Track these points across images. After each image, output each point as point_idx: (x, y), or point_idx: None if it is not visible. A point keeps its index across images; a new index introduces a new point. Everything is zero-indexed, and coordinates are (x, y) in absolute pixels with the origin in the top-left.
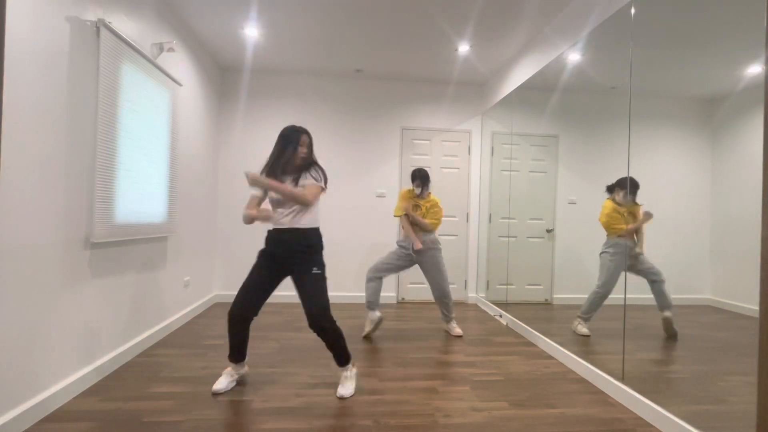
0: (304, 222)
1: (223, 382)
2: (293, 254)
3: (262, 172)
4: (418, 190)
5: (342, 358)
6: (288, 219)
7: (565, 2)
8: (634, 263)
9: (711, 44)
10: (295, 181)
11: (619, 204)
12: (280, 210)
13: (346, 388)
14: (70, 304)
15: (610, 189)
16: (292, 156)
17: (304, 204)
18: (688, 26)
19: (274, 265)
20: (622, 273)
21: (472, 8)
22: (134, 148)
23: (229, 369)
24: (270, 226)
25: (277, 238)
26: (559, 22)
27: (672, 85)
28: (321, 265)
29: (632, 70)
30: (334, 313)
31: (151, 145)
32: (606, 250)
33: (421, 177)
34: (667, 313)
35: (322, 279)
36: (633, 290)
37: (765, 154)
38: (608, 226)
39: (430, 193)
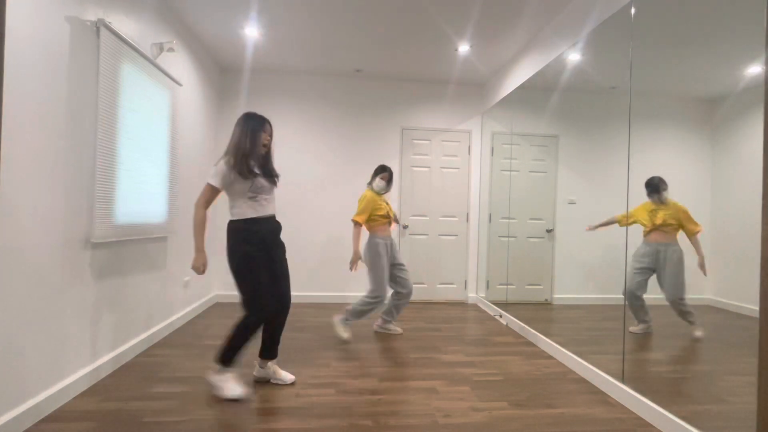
0: (276, 208)
1: (238, 389)
2: (276, 240)
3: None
4: (383, 184)
5: (277, 348)
6: (271, 207)
7: (565, 2)
8: (660, 269)
9: (711, 44)
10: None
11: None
12: (263, 197)
13: (288, 373)
14: (70, 304)
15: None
16: None
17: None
18: (688, 26)
19: (266, 255)
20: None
21: (472, 8)
22: (134, 148)
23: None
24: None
25: (266, 228)
26: (559, 22)
27: (672, 85)
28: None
29: (632, 70)
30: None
31: (151, 145)
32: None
33: (390, 172)
34: (697, 332)
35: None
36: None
37: (765, 154)
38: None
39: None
